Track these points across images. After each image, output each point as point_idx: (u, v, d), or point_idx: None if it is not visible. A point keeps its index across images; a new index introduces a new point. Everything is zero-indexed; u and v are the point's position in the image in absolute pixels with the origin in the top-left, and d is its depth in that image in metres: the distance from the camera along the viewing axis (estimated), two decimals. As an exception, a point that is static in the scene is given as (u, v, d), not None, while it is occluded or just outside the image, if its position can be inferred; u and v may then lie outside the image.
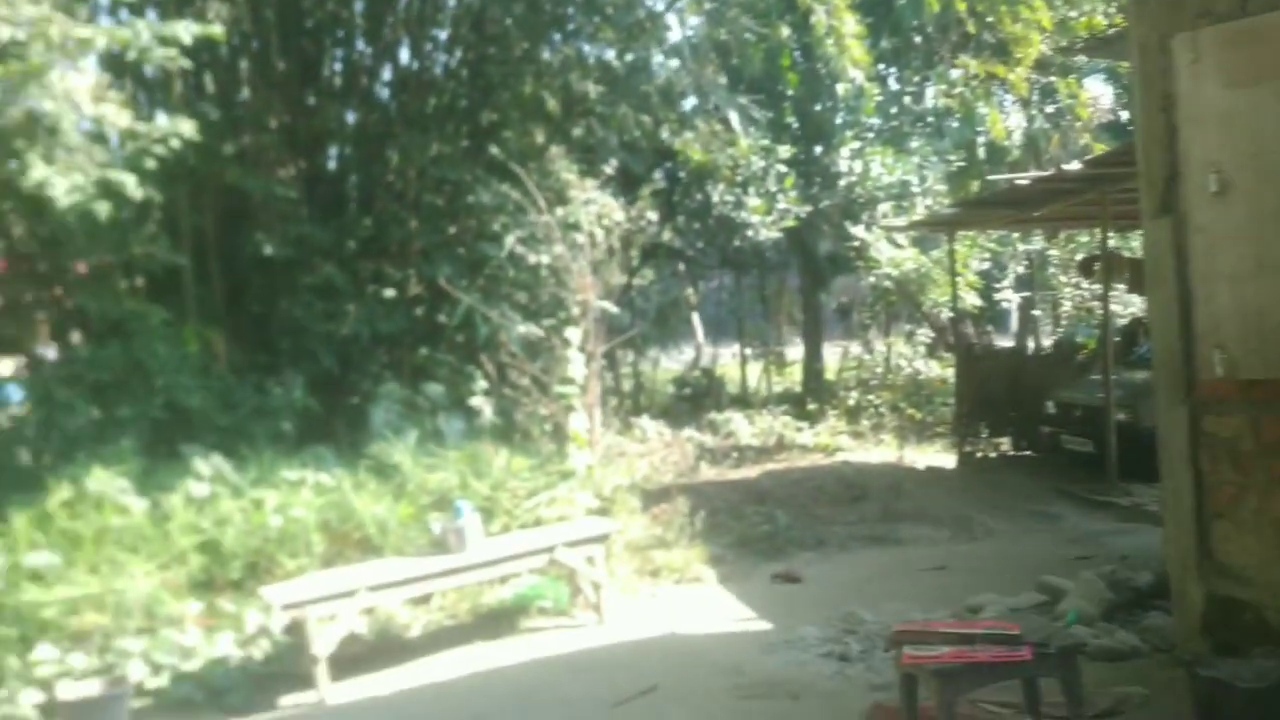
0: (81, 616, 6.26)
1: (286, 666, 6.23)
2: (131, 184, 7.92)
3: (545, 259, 10.55)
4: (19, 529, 6.60)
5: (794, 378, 19.08)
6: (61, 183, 7.47)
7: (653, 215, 13.04)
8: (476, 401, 10.09)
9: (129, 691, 5.47)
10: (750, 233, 15.51)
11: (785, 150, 15.10)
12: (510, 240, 10.73)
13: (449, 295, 10.59)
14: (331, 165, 12.18)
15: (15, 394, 10.50)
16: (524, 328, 10.19)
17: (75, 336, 10.91)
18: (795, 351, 20.05)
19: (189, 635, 6.20)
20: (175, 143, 8.14)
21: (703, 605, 7.39)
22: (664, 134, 13.12)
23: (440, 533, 6.65)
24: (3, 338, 11.59)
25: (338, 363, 10.61)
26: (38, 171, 7.41)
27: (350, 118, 12.13)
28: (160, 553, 6.84)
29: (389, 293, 11.42)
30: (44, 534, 6.68)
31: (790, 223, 15.45)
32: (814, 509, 10.10)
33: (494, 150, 11.74)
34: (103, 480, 7.01)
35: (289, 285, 10.56)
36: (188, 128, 8.17)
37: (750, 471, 12.07)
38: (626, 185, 13.46)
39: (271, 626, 6.33)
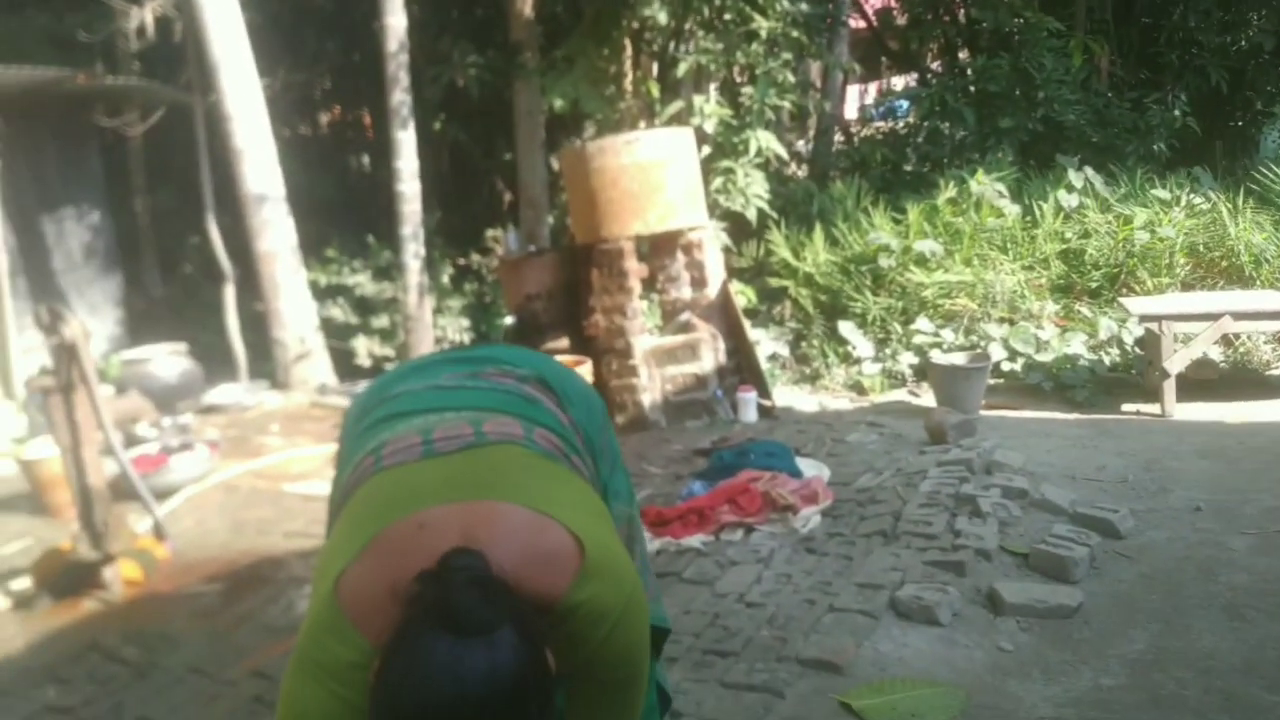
0: (954, 299, 7.24)
1: (1132, 377, 6.45)
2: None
3: None
4: (912, 220, 7.71)
5: None
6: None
7: None
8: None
9: (988, 367, 6.23)
10: None
11: None
12: None
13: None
14: None
15: (902, 107, 11.87)
16: None
17: (962, 53, 11.71)
18: None
19: (1044, 331, 6.78)
20: None
21: None
22: None
23: (1328, 271, 6.02)
24: (902, 53, 12.97)
25: (1229, 79, 9.67)
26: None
27: None
28: (1026, 254, 7.44)
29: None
30: (930, 226, 7.71)
31: None
32: None
33: None
34: (983, 184, 7.72)
35: (1189, -9, 9.78)
36: None
37: None
38: None
39: (1124, 336, 6.57)
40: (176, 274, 10.59)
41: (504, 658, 1.16)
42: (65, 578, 4.23)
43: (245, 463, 5.97)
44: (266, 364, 8.36)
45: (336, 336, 9.06)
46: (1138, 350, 6.51)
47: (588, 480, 1.68)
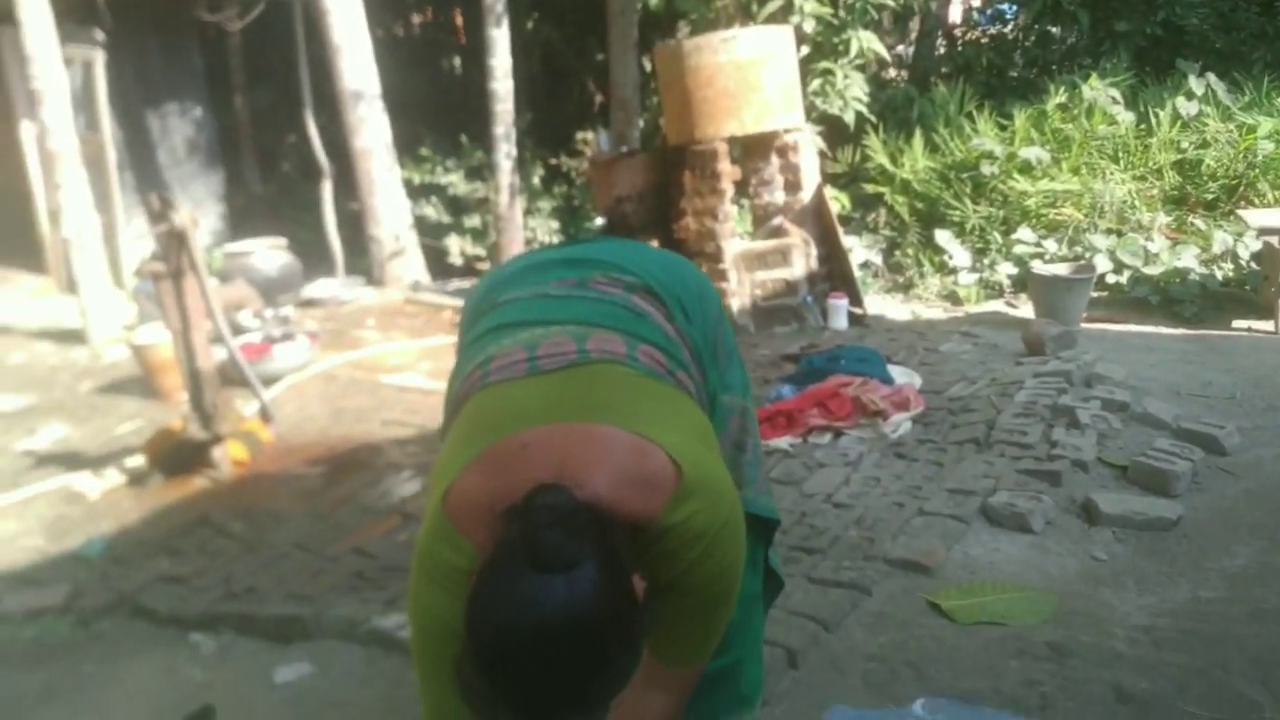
0: (1059, 209, 6.98)
1: (1245, 293, 6.18)
2: None
3: None
4: (1018, 126, 7.40)
5: None
6: None
7: None
8: None
9: (1092, 279, 6.02)
10: None
11: None
12: None
13: None
14: None
15: (1011, 9, 11.26)
16: None
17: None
18: None
19: (1154, 243, 6.50)
20: None
21: None
22: None
23: None
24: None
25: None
26: None
27: None
28: (1139, 164, 7.11)
29: None
30: (1037, 133, 7.40)
31: None
32: None
33: None
34: (1096, 90, 7.35)
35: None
36: None
37: None
38: None
39: (1240, 250, 6.27)
40: (275, 171, 10.79)
41: (584, 592, 1.20)
42: (176, 456, 4.45)
43: (344, 354, 6.14)
44: (362, 260, 8.52)
45: (430, 235, 9.17)
46: (1254, 265, 6.21)
47: (692, 395, 1.68)
